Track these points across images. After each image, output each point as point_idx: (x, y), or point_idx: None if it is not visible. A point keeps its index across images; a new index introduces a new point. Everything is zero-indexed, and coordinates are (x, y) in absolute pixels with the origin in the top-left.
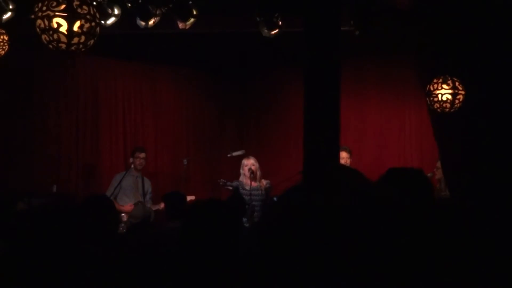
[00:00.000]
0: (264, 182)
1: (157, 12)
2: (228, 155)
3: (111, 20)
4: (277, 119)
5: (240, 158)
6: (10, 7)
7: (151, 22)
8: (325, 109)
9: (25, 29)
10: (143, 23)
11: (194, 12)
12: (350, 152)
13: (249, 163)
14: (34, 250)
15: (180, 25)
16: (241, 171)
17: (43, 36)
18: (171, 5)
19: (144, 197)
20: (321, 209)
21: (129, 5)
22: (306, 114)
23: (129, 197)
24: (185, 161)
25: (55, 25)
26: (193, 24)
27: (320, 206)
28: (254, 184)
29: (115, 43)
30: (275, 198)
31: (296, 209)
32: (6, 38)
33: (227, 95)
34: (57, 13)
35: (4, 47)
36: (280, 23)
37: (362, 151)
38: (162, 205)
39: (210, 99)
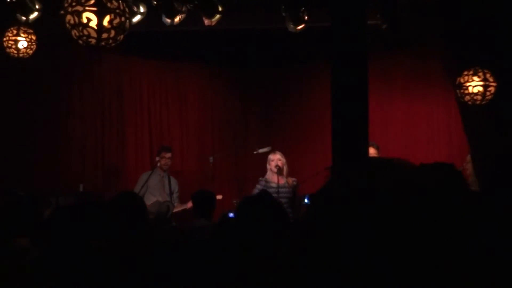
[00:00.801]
0: (290, 179)
1: (183, 9)
2: (255, 152)
3: (137, 18)
4: (303, 115)
5: (266, 155)
6: (37, 6)
7: (176, 19)
8: (353, 104)
9: (51, 28)
10: (168, 20)
11: (220, 9)
12: (377, 148)
13: (276, 158)
14: (68, 253)
15: (206, 21)
16: (267, 166)
17: (73, 32)
18: (196, 2)
19: (171, 196)
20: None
21: (155, 2)
22: (333, 109)
23: (156, 196)
24: (211, 159)
25: (85, 20)
26: (218, 21)
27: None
28: (281, 180)
29: (140, 41)
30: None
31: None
32: (34, 38)
33: (252, 92)
34: (86, 8)
35: (32, 47)
36: (306, 17)
37: (388, 146)
38: (189, 204)
39: (235, 96)
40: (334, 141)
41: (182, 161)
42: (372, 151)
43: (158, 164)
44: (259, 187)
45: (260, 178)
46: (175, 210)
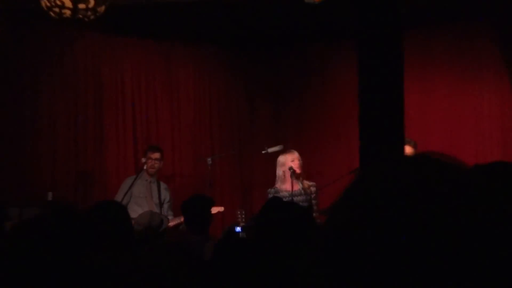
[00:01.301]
0: (307, 183)
1: None
2: (263, 152)
3: None
4: (323, 106)
5: (277, 155)
6: None
7: None
8: (385, 92)
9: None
10: None
11: None
12: (415, 146)
13: (290, 158)
14: (32, 275)
15: None
16: (278, 171)
17: (43, 2)
18: None
19: (161, 206)
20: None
21: None
22: (361, 98)
23: (142, 206)
24: (209, 160)
25: None
26: None
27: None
28: (295, 186)
29: (123, 16)
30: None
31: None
32: None
33: (259, 77)
34: None
35: None
36: None
37: (428, 143)
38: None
39: (238, 82)
40: (362, 138)
41: (174, 164)
42: (408, 150)
43: (145, 167)
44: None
45: (269, 190)
46: (177, 222)
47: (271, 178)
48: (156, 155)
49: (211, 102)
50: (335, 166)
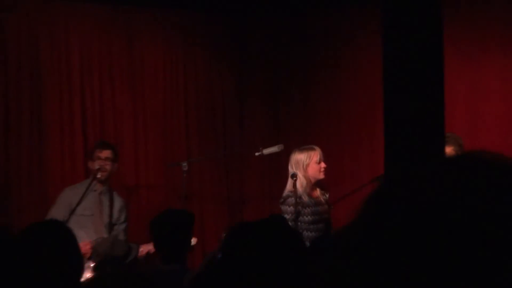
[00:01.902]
0: (318, 191)
1: None
2: (257, 154)
3: None
4: (335, 96)
5: (275, 157)
6: None
7: None
8: (420, 78)
9: None
10: None
11: None
12: (459, 143)
13: (321, 158)
14: None
15: None
16: (291, 176)
17: None
18: None
19: (110, 226)
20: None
21: None
22: (385, 84)
23: (86, 229)
24: (185, 166)
25: None
26: None
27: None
28: (314, 193)
29: None
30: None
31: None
32: None
33: (252, 56)
34: None
35: None
36: None
37: (477, 140)
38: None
39: (223, 63)
40: (388, 135)
41: (138, 171)
42: (449, 149)
43: (99, 175)
44: (285, 209)
45: (289, 193)
46: (148, 250)
47: (268, 187)
48: (107, 153)
49: (187, 89)
50: (350, 172)
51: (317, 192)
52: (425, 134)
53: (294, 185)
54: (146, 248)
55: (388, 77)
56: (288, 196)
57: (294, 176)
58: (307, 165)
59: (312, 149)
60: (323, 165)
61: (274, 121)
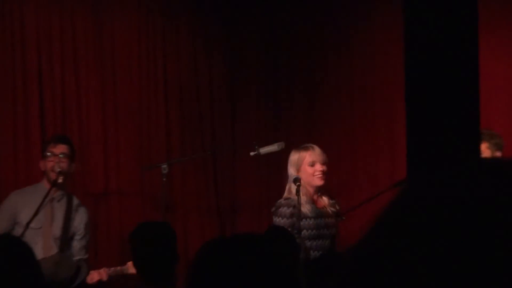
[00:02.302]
0: (326, 200)
1: None
2: (252, 154)
3: None
4: (346, 85)
5: (274, 157)
6: None
7: None
8: (447, 61)
9: None
10: None
11: None
12: (496, 143)
13: (317, 159)
14: None
15: None
16: (294, 180)
17: None
18: None
19: (64, 243)
20: None
21: None
22: (408, 72)
23: (34, 244)
24: (165, 168)
25: None
26: None
27: None
28: (320, 202)
29: None
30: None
31: None
32: None
33: (246, 36)
34: None
35: None
36: None
37: None
38: (131, 266)
39: (212, 47)
40: (411, 133)
41: (108, 175)
42: (486, 150)
43: (63, 181)
44: (278, 221)
45: (283, 201)
46: (99, 278)
47: (266, 194)
48: (62, 148)
49: (168, 77)
50: (365, 177)
51: (324, 201)
52: (455, 131)
53: (298, 192)
54: (97, 276)
55: (410, 64)
56: (281, 205)
57: (297, 180)
58: (299, 167)
59: (305, 148)
60: (318, 168)
61: (273, 115)
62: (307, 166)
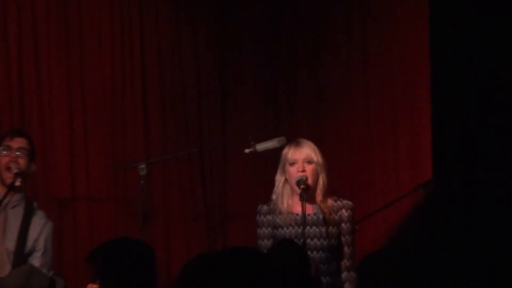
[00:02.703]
0: (331, 201)
1: None
2: (247, 151)
3: None
4: (359, 73)
5: (273, 155)
6: None
7: None
8: (476, 48)
9: None
10: None
11: None
12: None
13: (299, 157)
14: None
15: None
16: (276, 188)
17: None
18: None
19: (18, 258)
20: None
21: None
22: (434, 61)
23: None
24: (143, 169)
25: None
26: None
27: None
28: (309, 209)
29: None
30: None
31: None
32: None
33: (239, 16)
34: None
35: None
36: None
37: None
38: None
39: (198, 23)
40: (436, 130)
41: (74, 177)
42: None
43: (22, 183)
44: (262, 232)
45: (260, 206)
46: None
47: (264, 200)
48: (20, 141)
49: (146, 62)
50: (382, 180)
51: (314, 207)
52: (487, 128)
53: (302, 197)
54: None
55: (436, 51)
56: (260, 212)
57: (301, 182)
58: (283, 166)
59: (290, 143)
60: (298, 168)
61: (273, 106)
62: (288, 165)
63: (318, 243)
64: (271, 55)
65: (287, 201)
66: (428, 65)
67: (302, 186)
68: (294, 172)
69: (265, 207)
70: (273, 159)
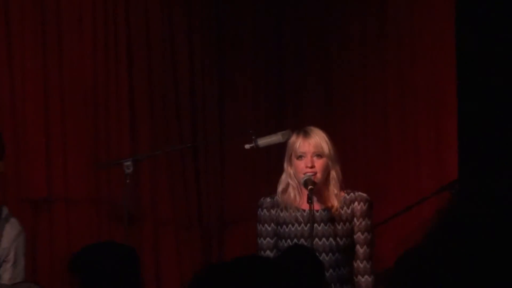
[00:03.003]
0: (346, 195)
1: None
2: (248, 146)
3: None
4: (376, 63)
5: (277, 151)
6: None
7: None
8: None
9: None
10: None
11: None
12: None
13: (307, 151)
14: None
15: None
16: (282, 179)
17: None
18: None
19: None
20: None
21: None
22: (460, 57)
23: None
24: (128, 165)
25: None
26: None
27: None
28: (317, 205)
29: None
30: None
31: None
32: None
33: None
34: None
35: None
36: None
37: None
38: None
39: (190, 14)
40: (462, 125)
41: (51, 177)
42: None
43: None
44: (264, 229)
45: (263, 199)
46: None
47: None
48: None
49: (133, 46)
50: (401, 180)
51: (320, 204)
52: None
53: (310, 199)
54: None
55: (462, 38)
56: (263, 206)
57: (308, 183)
58: (289, 158)
59: (298, 133)
60: (307, 163)
61: (277, 97)
62: (295, 159)
63: (327, 243)
64: (274, 39)
65: (294, 195)
66: (453, 53)
67: (310, 187)
68: (302, 168)
69: (268, 200)
70: (277, 156)
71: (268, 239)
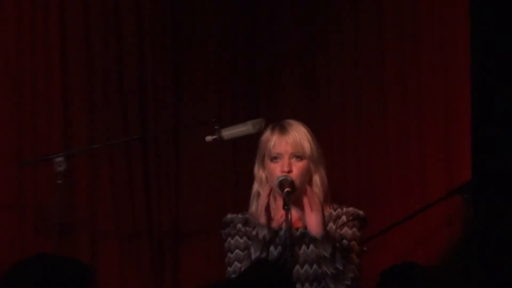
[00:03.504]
0: (332, 210)
1: None
2: (209, 138)
3: None
4: (375, 55)
5: (247, 145)
6: None
7: None
8: None
9: None
10: None
11: None
12: None
13: (283, 151)
14: None
15: None
16: (279, 184)
17: None
18: None
19: None
20: None
21: None
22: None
23: None
24: (59, 162)
25: None
26: None
27: None
28: (298, 222)
29: None
30: None
31: None
32: None
33: None
34: None
35: None
36: None
37: None
38: None
39: None
40: (476, 119)
41: None
42: None
43: None
44: (234, 242)
45: (230, 216)
46: None
47: (231, 205)
48: None
49: (66, 25)
50: (403, 183)
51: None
52: None
53: (286, 205)
54: None
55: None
56: (227, 223)
57: (284, 184)
58: (262, 159)
59: (273, 128)
60: (284, 166)
61: (247, 84)
62: (268, 160)
63: (311, 270)
64: (242, 10)
65: (277, 208)
66: (467, 35)
67: (287, 190)
68: (276, 172)
69: (239, 216)
70: (247, 150)
71: (237, 250)
